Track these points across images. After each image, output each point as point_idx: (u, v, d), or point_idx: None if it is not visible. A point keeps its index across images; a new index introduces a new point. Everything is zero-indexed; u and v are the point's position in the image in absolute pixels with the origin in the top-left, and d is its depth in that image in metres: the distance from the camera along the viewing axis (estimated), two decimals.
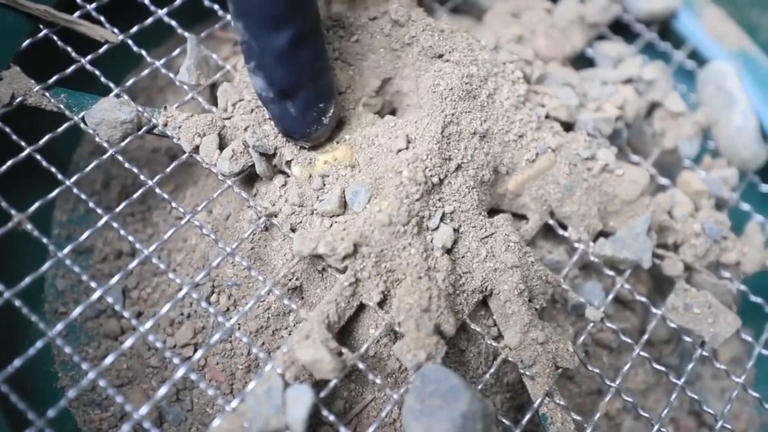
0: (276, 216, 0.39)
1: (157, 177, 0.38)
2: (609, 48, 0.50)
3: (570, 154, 0.41)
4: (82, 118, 0.39)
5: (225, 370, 0.40)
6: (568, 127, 0.43)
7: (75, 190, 0.37)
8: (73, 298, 0.45)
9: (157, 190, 0.38)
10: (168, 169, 0.39)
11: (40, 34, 0.41)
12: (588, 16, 0.50)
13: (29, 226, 0.36)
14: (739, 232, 0.46)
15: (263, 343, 0.39)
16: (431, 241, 0.37)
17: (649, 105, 0.48)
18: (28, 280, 0.34)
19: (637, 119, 0.46)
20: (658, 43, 0.53)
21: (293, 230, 0.38)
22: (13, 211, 0.36)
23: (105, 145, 0.39)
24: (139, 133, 0.39)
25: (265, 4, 0.32)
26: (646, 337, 0.40)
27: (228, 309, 0.40)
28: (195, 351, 0.41)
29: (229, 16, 0.45)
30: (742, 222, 0.47)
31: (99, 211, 0.37)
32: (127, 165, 0.38)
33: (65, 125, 0.39)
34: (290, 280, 0.39)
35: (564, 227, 0.42)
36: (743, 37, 0.54)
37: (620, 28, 0.53)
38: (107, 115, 0.39)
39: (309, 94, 0.36)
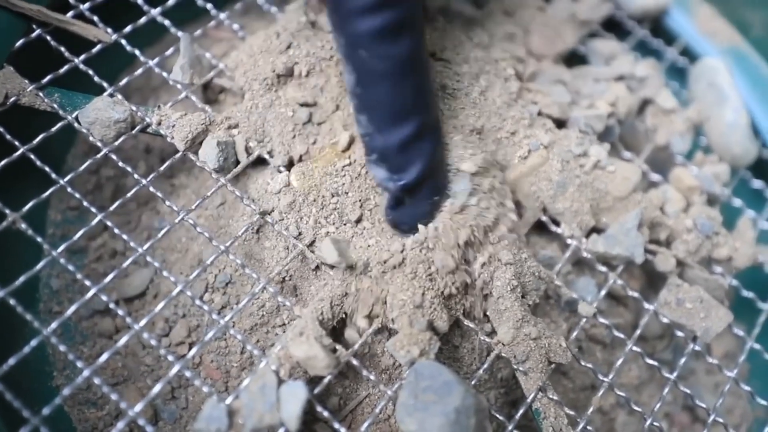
0: (269, 214, 0.39)
1: (151, 175, 0.39)
2: (601, 45, 0.50)
3: (562, 151, 0.41)
4: (76, 118, 0.39)
5: (220, 368, 0.41)
6: (560, 124, 0.44)
7: (69, 189, 0.37)
8: (68, 298, 0.45)
9: (151, 189, 0.38)
10: (161, 168, 0.39)
11: (34, 34, 0.41)
12: (580, 14, 0.50)
13: (23, 225, 0.36)
14: (731, 227, 0.46)
15: (258, 341, 0.40)
16: None
17: (641, 102, 0.48)
18: (22, 279, 0.34)
19: (629, 116, 0.47)
20: (650, 40, 0.53)
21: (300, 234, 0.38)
22: (7, 211, 0.36)
23: (99, 144, 0.39)
24: (133, 132, 0.40)
25: (392, 97, 0.32)
26: (638, 332, 0.40)
27: (222, 307, 0.41)
28: (190, 349, 0.41)
29: (222, 15, 0.45)
30: (734, 217, 0.47)
31: (93, 209, 0.37)
32: (121, 164, 0.39)
33: (59, 125, 0.39)
34: (284, 278, 0.39)
35: (557, 223, 0.42)
36: (735, 34, 0.54)
37: (613, 26, 0.53)
38: (101, 115, 0.39)
39: (429, 188, 0.36)
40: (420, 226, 0.37)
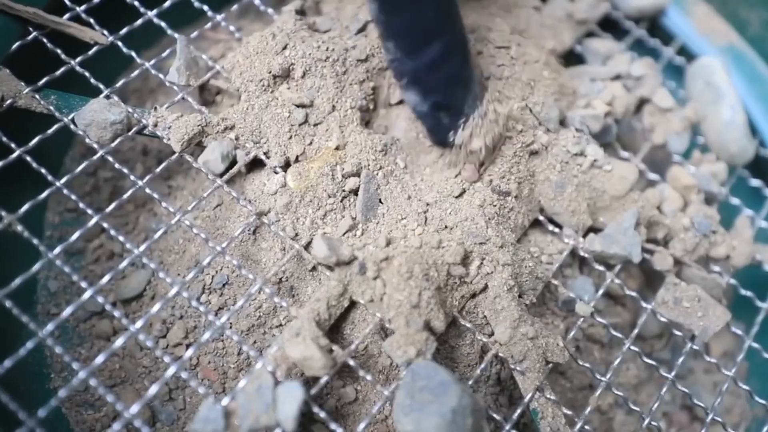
0: (266, 215, 0.39)
1: (147, 177, 0.39)
2: (598, 45, 0.50)
3: (560, 152, 0.41)
4: (72, 120, 0.39)
5: (217, 369, 0.41)
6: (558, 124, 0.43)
7: (65, 191, 0.37)
8: (66, 300, 0.45)
9: (147, 190, 0.38)
10: (158, 169, 0.39)
11: (30, 37, 0.41)
12: (577, 14, 0.50)
13: (20, 228, 0.36)
14: (729, 226, 0.46)
15: (254, 342, 0.40)
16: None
17: (638, 101, 0.48)
18: (18, 280, 0.34)
19: (626, 115, 0.47)
20: (647, 39, 0.53)
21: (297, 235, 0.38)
22: (3, 213, 0.36)
23: (95, 146, 0.39)
24: (130, 133, 0.40)
25: (418, 20, 0.33)
26: (636, 331, 0.40)
27: (220, 308, 0.41)
28: (187, 351, 0.41)
29: (218, 17, 0.45)
30: (732, 216, 0.47)
31: (89, 211, 0.37)
32: (117, 165, 0.39)
33: (55, 126, 0.39)
34: (281, 279, 0.39)
35: (554, 223, 0.42)
36: (732, 32, 0.54)
37: (609, 25, 0.53)
38: (97, 116, 0.39)
39: (461, 103, 0.36)
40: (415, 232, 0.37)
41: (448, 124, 0.37)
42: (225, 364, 0.40)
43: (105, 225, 0.37)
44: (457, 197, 0.39)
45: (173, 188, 0.46)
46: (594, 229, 0.43)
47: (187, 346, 0.41)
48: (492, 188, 0.39)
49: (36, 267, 0.35)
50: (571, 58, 0.51)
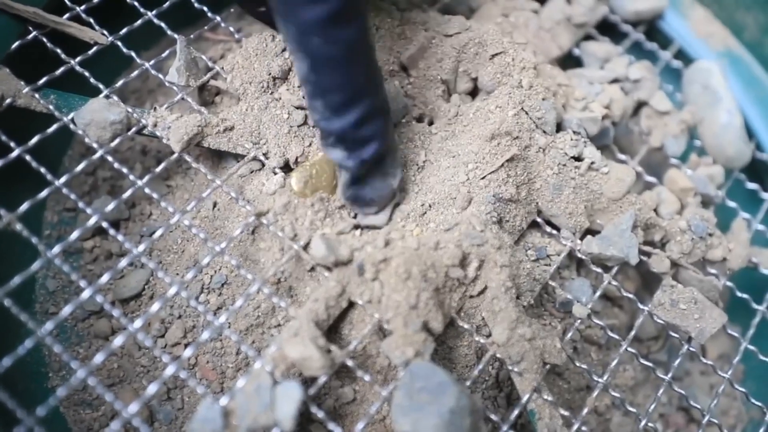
0: (265, 215, 0.39)
1: (146, 177, 0.39)
2: (596, 48, 0.50)
3: (558, 154, 0.42)
4: (72, 119, 0.39)
5: (215, 368, 0.41)
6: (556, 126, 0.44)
7: (65, 190, 0.37)
8: (64, 299, 0.45)
9: (146, 190, 0.38)
10: (157, 169, 0.39)
11: (30, 36, 0.41)
12: (575, 17, 0.51)
13: (19, 226, 0.36)
14: (726, 229, 0.46)
15: (253, 341, 0.40)
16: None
17: (635, 104, 0.48)
18: (17, 279, 0.34)
19: (623, 118, 0.47)
20: (645, 43, 0.53)
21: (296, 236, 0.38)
22: (2, 211, 0.36)
23: (95, 145, 0.39)
24: (129, 133, 0.40)
25: (346, 79, 0.34)
26: (633, 333, 0.40)
27: (218, 308, 0.41)
28: (185, 350, 0.41)
29: (218, 18, 0.45)
30: (729, 219, 0.47)
31: (88, 211, 0.37)
32: (116, 165, 0.39)
33: (55, 126, 0.39)
34: (279, 279, 0.39)
35: (552, 225, 0.43)
36: (729, 36, 0.54)
37: (607, 29, 0.54)
38: (96, 116, 0.39)
39: (388, 162, 0.38)
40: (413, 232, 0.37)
41: (370, 185, 0.38)
42: (223, 363, 0.40)
43: (104, 225, 0.37)
44: (455, 199, 0.39)
45: (172, 188, 0.46)
46: (591, 231, 0.43)
47: (186, 346, 0.41)
48: (493, 195, 0.39)
49: (35, 266, 0.35)
50: (569, 61, 0.51)
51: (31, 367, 0.42)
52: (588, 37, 0.52)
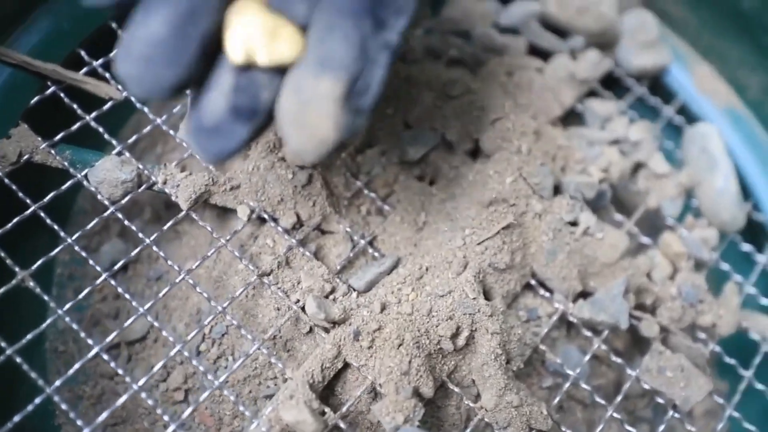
0: (268, 275, 0.40)
1: (154, 235, 0.40)
2: (598, 106, 0.51)
3: (554, 220, 0.43)
4: (86, 176, 0.41)
5: (213, 415, 0.42)
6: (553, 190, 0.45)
7: (76, 248, 0.39)
8: (73, 337, 0.47)
9: (154, 248, 0.40)
10: (165, 227, 0.41)
11: (48, 91, 0.43)
12: (579, 73, 0.52)
13: (32, 284, 0.37)
14: (718, 292, 0.47)
15: (250, 391, 0.41)
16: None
17: (634, 165, 0.49)
18: (29, 336, 0.36)
19: (621, 179, 0.48)
20: (648, 97, 0.54)
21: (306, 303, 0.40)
22: (17, 269, 0.38)
23: (106, 202, 0.41)
24: (140, 190, 0.41)
25: None
26: (619, 398, 0.42)
27: (218, 357, 0.42)
28: (185, 395, 0.43)
29: None
30: (721, 281, 0.48)
31: (98, 268, 0.39)
32: (126, 223, 0.40)
33: (69, 183, 0.40)
34: (276, 335, 0.41)
35: (544, 286, 0.44)
36: (732, 94, 0.55)
37: (611, 82, 0.55)
38: (109, 175, 0.40)
39: None
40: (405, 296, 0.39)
41: None
42: (221, 410, 0.42)
43: (113, 282, 0.39)
44: (451, 263, 0.41)
45: (179, 233, 0.48)
46: (584, 293, 0.44)
47: (186, 392, 0.43)
48: (488, 264, 0.41)
49: (46, 324, 0.36)
50: (572, 116, 0.52)
51: (42, 423, 0.44)
52: (591, 92, 0.53)
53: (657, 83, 0.56)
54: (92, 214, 0.49)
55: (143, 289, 0.47)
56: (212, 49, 0.27)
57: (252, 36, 0.27)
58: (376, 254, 0.43)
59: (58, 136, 0.42)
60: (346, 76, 0.26)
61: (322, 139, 0.26)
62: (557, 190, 0.45)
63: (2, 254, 0.38)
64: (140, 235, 0.40)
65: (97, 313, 0.47)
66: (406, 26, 0.29)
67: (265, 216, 0.42)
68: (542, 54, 0.54)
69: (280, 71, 0.27)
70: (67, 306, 0.37)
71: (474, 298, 0.39)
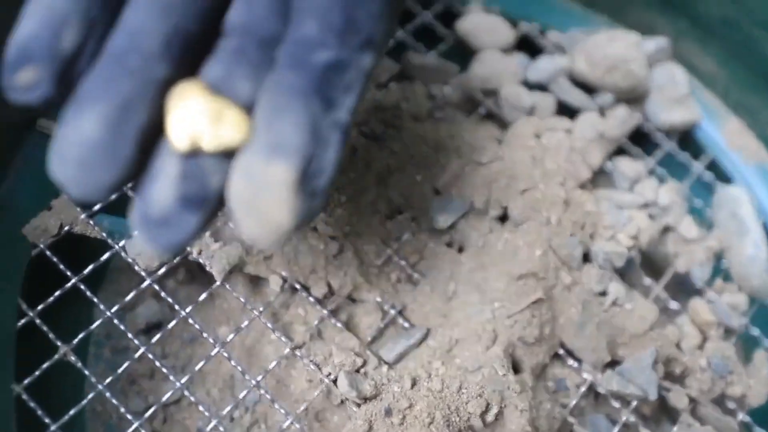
0: (301, 348, 0.41)
1: (189, 308, 0.41)
2: (626, 166, 0.51)
3: (583, 291, 0.43)
4: (123, 247, 0.42)
5: None
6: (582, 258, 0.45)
7: (115, 321, 0.40)
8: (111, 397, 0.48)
9: (190, 320, 0.41)
10: (200, 298, 0.42)
11: None
12: (608, 131, 0.52)
13: (74, 358, 0.39)
14: (748, 360, 0.47)
15: None
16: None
17: (663, 228, 0.49)
18: (72, 412, 0.37)
19: (650, 245, 0.48)
20: (677, 153, 0.54)
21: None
22: (59, 343, 0.39)
23: (143, 273, 0.42)
24: (175, 261, 0.42)
25: None
26: None
27: (251, 425, 0.43)
28: None
29: None
30: (751, 347, 0.48)
31: (136, 342, 0.40)
32: (163, 294, 0.41)
33: (107, 254, 0.42)
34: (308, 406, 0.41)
35: (573, 356, 0.44)
36: (763, 151, 0.55)
37: (639, 136, 0.55)
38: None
39: None
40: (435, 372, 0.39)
41: None
42: None
43: (150, 356, 0.40)
44: (480, 337, 0.41)
45: (214, 296, 0.49)
46: (612, 363, 0.44)
47: None
48: (518, 338, 0.41)
49: (87, 399, 0.38)
50: (599, 175, 0.52)
51: None
52: (620, 150, 0.53)
53: (686, 138, 0.56)
54: (128, 272, 0.50)
55: (178, 350, 0.48)
56: (151, 138, 0.26)
57: (196, 121, 0.25)
58: (406, 324, 0.43)
59: (97, 206, 0.43)
60: (299, 161, 0.25)
61: (278, 226, 0.25)
62: (586, 257, 0.46)
63: (45, 328, 0.39)
64: (176, 307, 0.41)
65: (134, 373, 0.48)
66: (356, 104, 0.28)
67: (297, 286, 0.43)
68: (569, 111, 0.54)
69: (228, 155, 0.26)
70: (107, 381, 0.38)
71: (504, 375, 0.40)
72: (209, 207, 0.26)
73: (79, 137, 0.24)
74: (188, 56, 0.27)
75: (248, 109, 0.27)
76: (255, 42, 0.28)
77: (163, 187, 0.25)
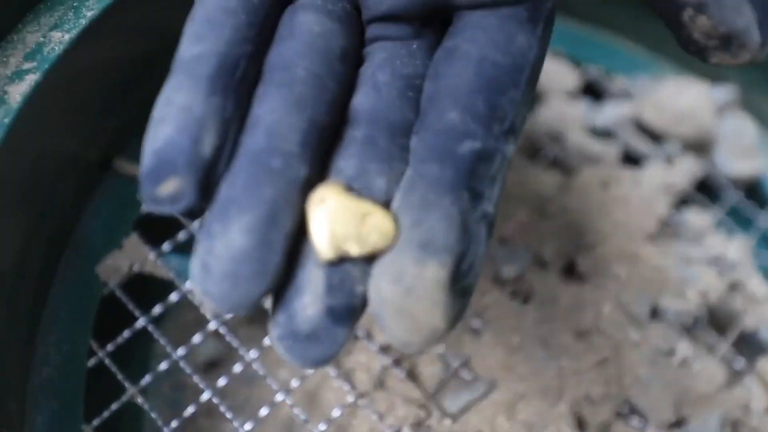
0: (364, 397, 0.41)
1: (253, 352, 0.41)
2: (693, 218, 0.50)
3: (651, 349, 0.42)
4: (191, 290, 0.42)
5: None
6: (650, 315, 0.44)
7: (181, 364, 0.41)
8: None
9: (254, 366, 0.41)
10: (264, 342, 0.42)
11: None
12: (675, 182, 0.51)
13: (140, 400, 0.39)
14: None
15: None
16: None
17: (731, 284, 0.48)
18: None
19: (718, 301, 0.47)
20: (745, 205, 0.53)
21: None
22: (127, 384, 0.39)
23: (208, 316, 0.42)
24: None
25: None
26: None
27: None
28: None
29: None
30: None
31: (201, 385, 0.40)
32: (227, 338, 0.42)
33: (175, 296, 0.42)
34: None
35: (638, 415, 0.43)
36: None
37: (705, 188, 0.54)
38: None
39: None
40: None
41: None
42: None
43: (214, 400, 0.40)
44: (545, 394, 0.41)
45: None
46: (678, 423, 0.43)
47: None
48: (584, 396, 0.40)
49: None
50: (666, 227, 0.51)
51: None
52: (686, 201, 0.52)
53: (754, 190, 0.55)
54: (191, 306, 0.51)
55: (235, 390, 0.48)
56: (295, 244, 0.25)
57: (342, 227, 0.24)
58: (470, 377, 0.43)
59: (165, 245, 0.43)
60: (452, 259, 0.24)
61: (431, 329, 0.24)
62: (654, 313, 0.45)
63: (114, 369, 0.40)
64: (240, 352, 0.41)
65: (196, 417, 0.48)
66: (500, 195, 0.27)
67: (360, 332, 0.43)
68: (634, 159, 0.53)
69: (370, 259, 0.25)
70: (174, 425, 0.39)
71: None
72: (357, 317, 0.25)
73: (228, 250, 0.23)
74: (323, 151, 0.26)
75: (386, 205, 0.25)
76: (385, 130, 0.27)
77: (310, 301, 0.24)
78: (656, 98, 0.53)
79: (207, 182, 0.24)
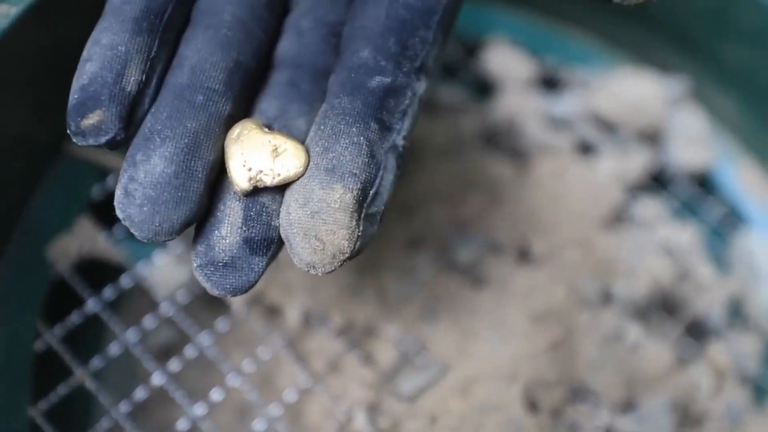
0: (318, 380, 0.41)
1: (207, 338, 0.41)
2: (645, 207, 0.51)
3: (601, 332, 0.43)
4: (142, 272, 0.42)
5: None
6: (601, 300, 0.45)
7: (132, 348, 0.40)
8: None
9: (207, 350, 0.41)
10: (219, 328, 0.42)
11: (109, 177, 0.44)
12: (627, 171, 0.52)
13: (88, 382, 0.38)
14: (763, 400, 0.47)
15: None
16: None
17: (681, 272, 0.49)
18: None
19: (669, 287, 0.48)
20: (696, 194, 0.54)
21: None
22: (74, 366, 0.38)
23: (160, 300, 0.42)
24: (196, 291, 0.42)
25: None
26: None
27: None
28: None
29: None
30: (766, 391, 0.48)
31: (152, 369, 0.40)
32: (179, 325, 0.41)
33: (127, 278, 0.41)
34: None
35: (590, 396, 0.44)
36: None
37: (658, 178, 0.55)
38: (165, 274, 0.41)
39: None
40: None
41: None
42: None
43: (166, 386, 0.39)
44: (498, 377, 0.41)
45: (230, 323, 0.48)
46: (629, 404, 0.44)
47: None
48: (537, 378, 0.41)
49: (100, 425, 0.37)
50: (619, 216, 0.52)
51: None
52: (639, 190, 0.53)
53: (705, 180, 0.56)
54: (144, 293, 0.50)
55: (189, 375, 0.47)
56: (214, 179, 0.26)
57: (257, 160, 0.25)
58: (425, 360, 0.43)
59: (117, 229, 0.43)
60: (358, 184, 0.25)
61: (337, 251, 0.25)
62: (606, 298, 0.45)
63: (61, 352, 0.39)
64: (193, 337, 0.41)
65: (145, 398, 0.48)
66: (411, 130, 0.28)
67: (316, 317, 0.42)
68: (589, 149, 0.54)
69: (285, 189, 0.26)
70: (124, 410, 0.38)
71: (522, 415, 0.39)
72: (274, 247, 0.26)
73: (150, 177, 0.24)
74: (246, 91, 0.27)
75: (302, 143, 0.27)
76: (307, 74, 0.28)
77: (228, 231, 0.25)
78: (610, 89, 0.54)
79: (130, 116, 0.25)
